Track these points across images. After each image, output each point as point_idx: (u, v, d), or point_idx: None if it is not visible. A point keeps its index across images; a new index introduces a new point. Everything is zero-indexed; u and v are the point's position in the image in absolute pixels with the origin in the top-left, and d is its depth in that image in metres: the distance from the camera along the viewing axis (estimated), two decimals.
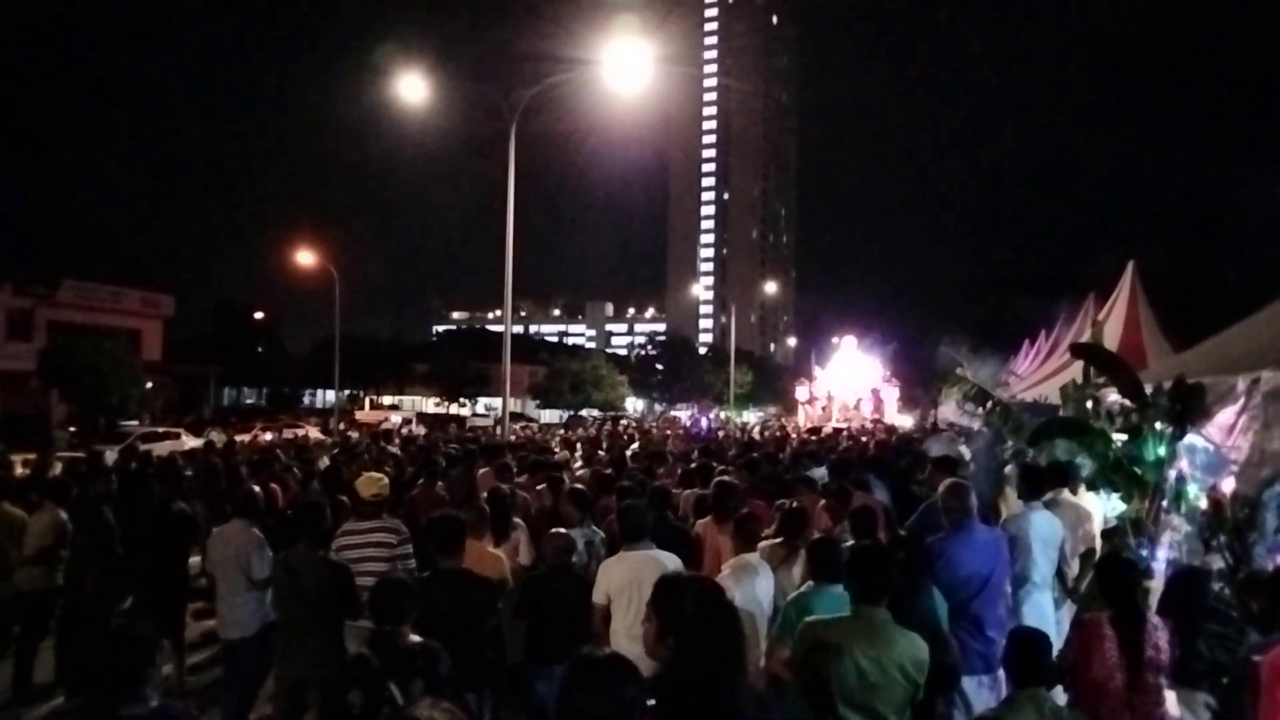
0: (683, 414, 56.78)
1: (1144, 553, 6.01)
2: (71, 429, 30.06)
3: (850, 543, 4.90)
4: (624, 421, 39.39)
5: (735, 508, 5.72)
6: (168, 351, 45.88)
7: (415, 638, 3.52)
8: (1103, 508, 6.67)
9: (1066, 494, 6.35)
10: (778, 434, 24.03)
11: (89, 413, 31.74)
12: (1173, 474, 6.15)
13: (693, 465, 9.13)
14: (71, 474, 9.37)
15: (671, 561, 4.68)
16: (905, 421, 32.93)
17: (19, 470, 10.99)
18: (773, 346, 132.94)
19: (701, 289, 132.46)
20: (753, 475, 8.64)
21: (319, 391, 68.03)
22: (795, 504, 5.67)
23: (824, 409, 39.03)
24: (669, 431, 25.34)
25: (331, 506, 6.72)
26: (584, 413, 56.81)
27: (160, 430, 29.22)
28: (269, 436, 27.62)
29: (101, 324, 39.60)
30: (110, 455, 14.22)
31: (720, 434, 24.87)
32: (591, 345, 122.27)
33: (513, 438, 19.29)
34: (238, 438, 22.10)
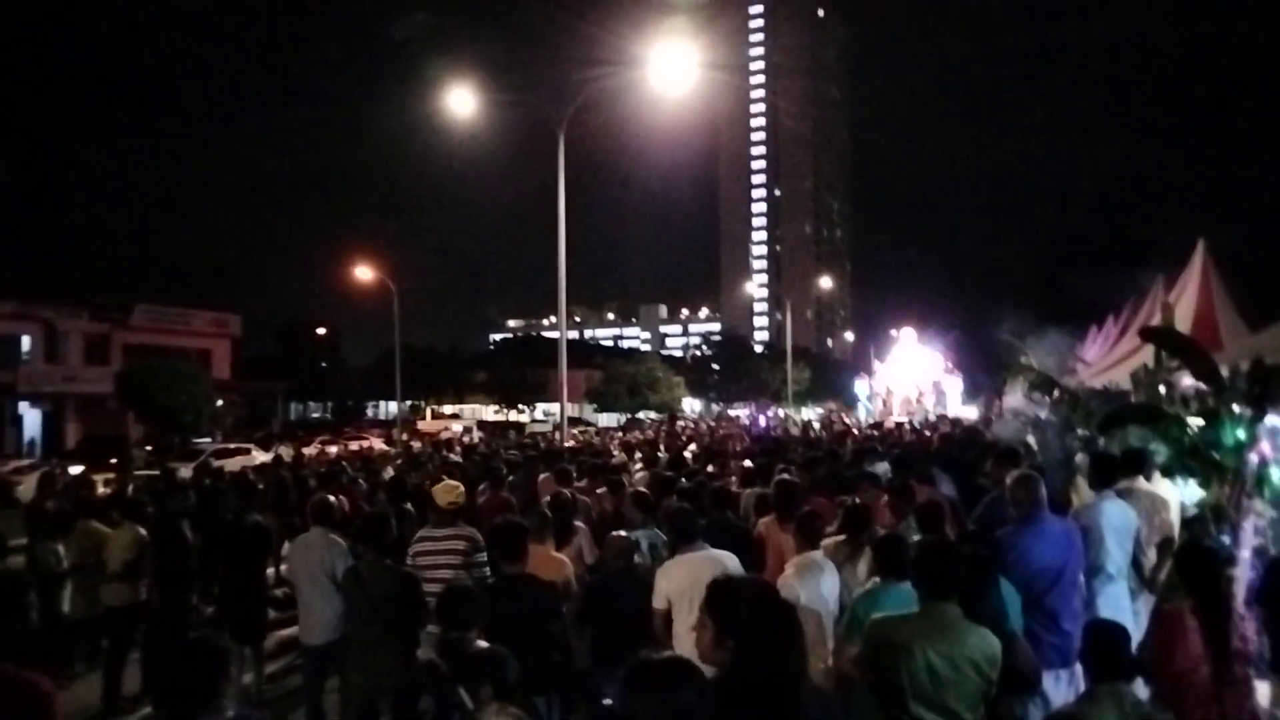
0: (741, 413, 56.56)
1: (1226, 540, 5.80)
2: (148, 448, 31.12)
3: (917, 538, 4.84)
4: (681, 423, 39.34)
5: (797, 506, 5.68)
6: (236, 369, 47.27)
7: (483, 643, 3.56)
8: (1180, 495, 6.45)
9: (1141, 482, 6.15)
10: (839, 429, 23.78)
11: (164, 432, 32.84)
12: (1254, 458, 5.92)
13: (752, 464, 9.07)
14: (148, 491, 9.68)
15: (730, 562, 4.66)
16: (970, 413, 32.28)
17: (100, 490, 11.40)
18: (830, 342, 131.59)
19: (755, 287, 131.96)
20: (812, 475, 8.57)
21: (381, 403, 69.33)
22: (858, 501, 5.61)
23: (884, 403, 38.45)
24: (727, 430, 25.25)
25: (397, 516, 6.88)
26: (641, 415, 56.99)
27: (231, 446, 30.11)
28: (334, 449, 28.24)
29: (173, 345, 41.01)
30: (185, 472, 14.67)
31: (779, 432, 24.71)
32: (646, 348, 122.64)
33: (571, 443, 19.41)
34: (305, 451, 22.63)
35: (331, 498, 7.99)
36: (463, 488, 6.06)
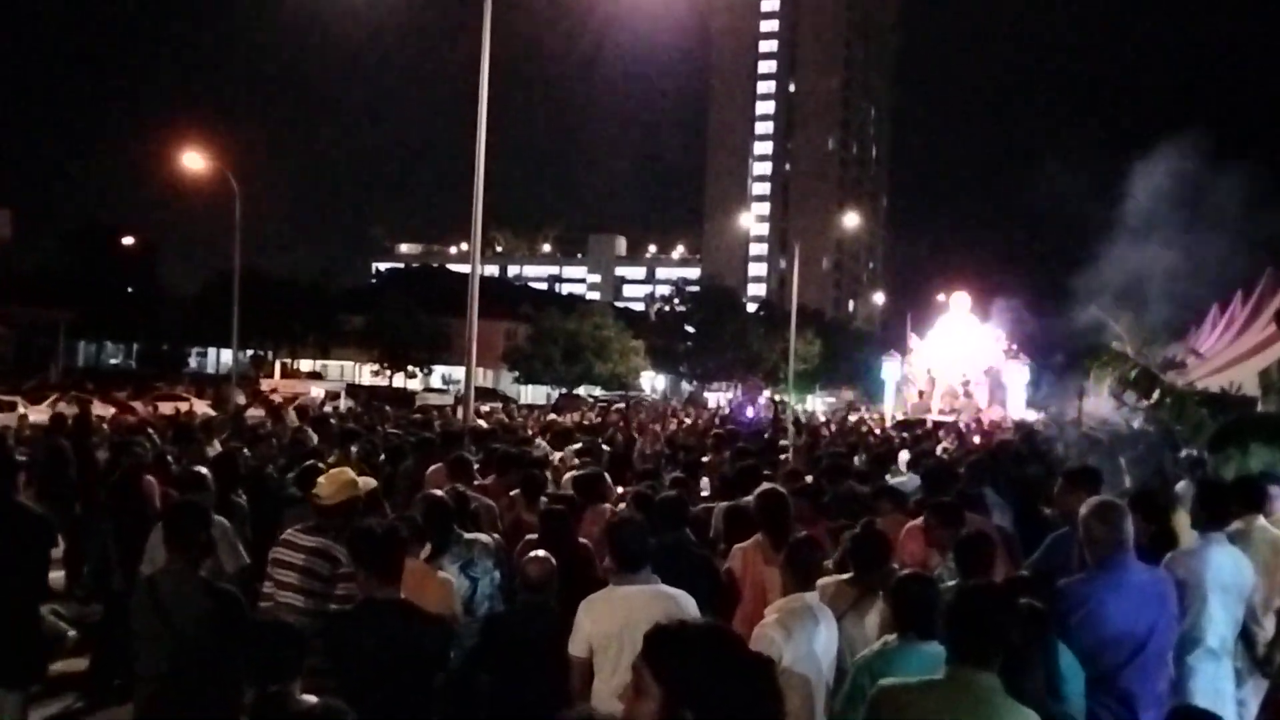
0: (720, 396, 56.79)
1: None
2: None
3: (953, 583, 4.88)
4: (641, 403, 39.45)
5: (789, 529, 5.71)
6: (2, 289, 46.27)
7: (310, 697, 3.61)
8: None
9: (1262, 522, 6.29)
10: (852, 427, 24.03)
11: None
12: None
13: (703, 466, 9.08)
14: None
15: (684, 602, 4.68)
16: (1035, 416, 32.80)
17: None
18: (852, 305, 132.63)
19: (753, 221, 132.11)
20: (835, 484, 8.66)
21: (211, 350, 68.50)
22: (872, 526, 5.65)
23: (922, 394, 38.89)
24: (652, 423, 25.12)
25: (222, 509, 6.80)
26: (582, 391, 57.00)
27: None
28: (139, 410, 27.87)
29: None
30: None
31: (769, 425, 24.88)
32: (595, 296, 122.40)
33: (479, 423, 19.38)
34: (96, 412, 22.28)
35: (129, 481, 7.90)
36: (357, 478, 6.04)
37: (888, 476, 10.38)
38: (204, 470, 7.63)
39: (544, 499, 7.61)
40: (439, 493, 6.56)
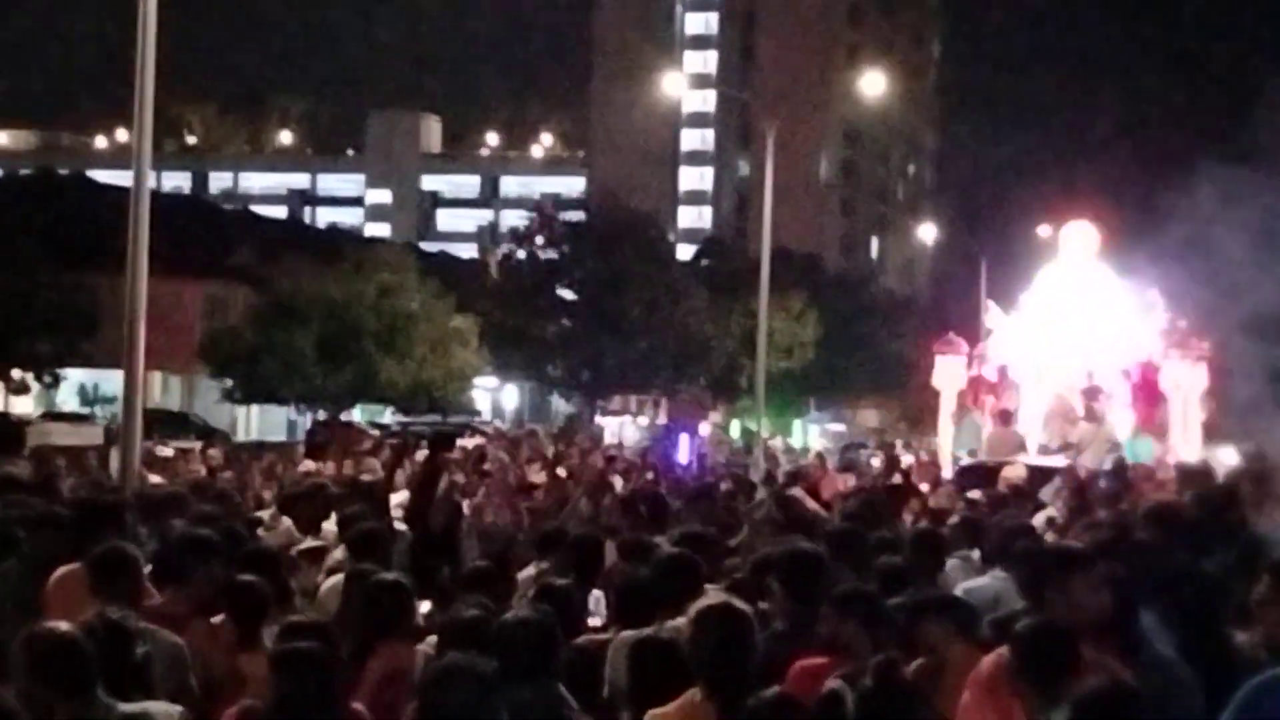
0: (627, 422, 57.10)
1: None
2: None
3: None
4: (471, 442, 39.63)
5: (747, 676, 5.77)
6: None
7: None
8: None
9: None
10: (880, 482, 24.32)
11: None
12: None
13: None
14: None
15: None
16: (1226, 455, 33.27)
17: None
18: (876, 247, 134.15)
19: (685, 86, 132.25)
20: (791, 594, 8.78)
21: None
22: (894, 669, 5.73)
23: (1008, 415, 39.06)
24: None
25: None
26: (358, 415, 57.04)
27: None
28: None
29: None
30: None
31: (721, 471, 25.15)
32: (382, 230, 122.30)
33: (152, 478, 19.33)
34: None
35: None
36: None
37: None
38: None
39: (278, 629, 7.64)
40: (57, 626, 6.50)
